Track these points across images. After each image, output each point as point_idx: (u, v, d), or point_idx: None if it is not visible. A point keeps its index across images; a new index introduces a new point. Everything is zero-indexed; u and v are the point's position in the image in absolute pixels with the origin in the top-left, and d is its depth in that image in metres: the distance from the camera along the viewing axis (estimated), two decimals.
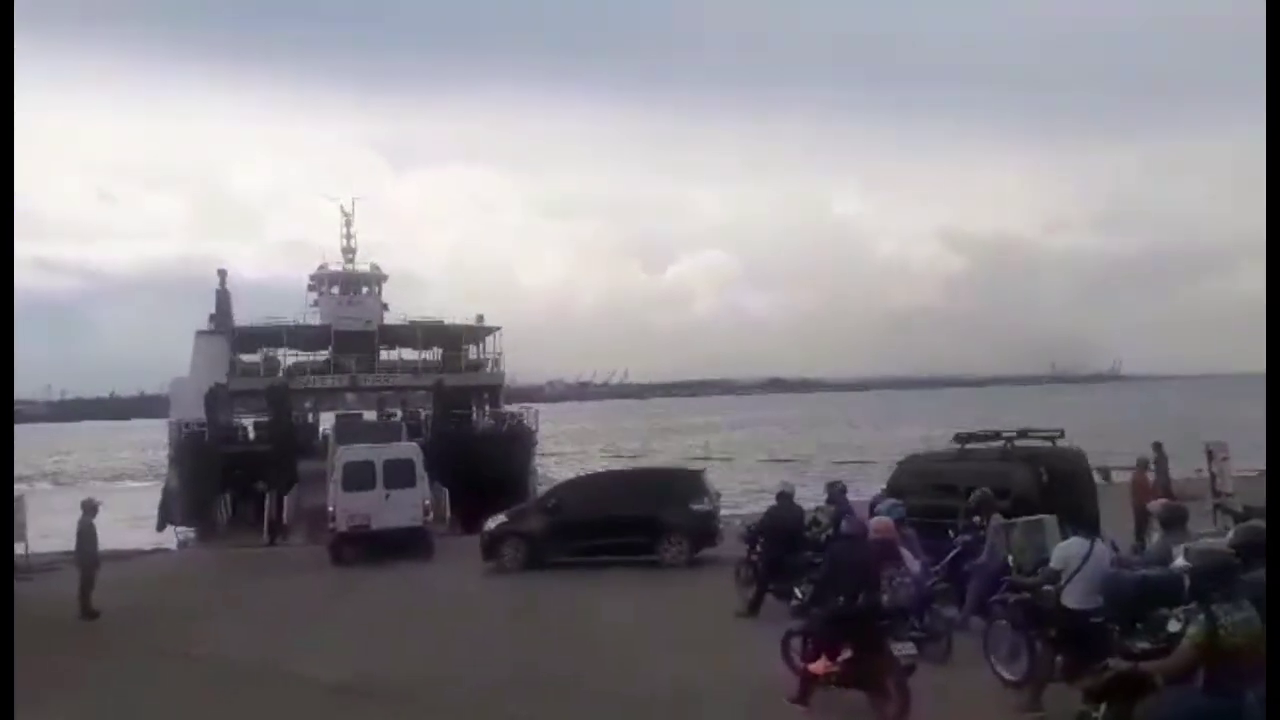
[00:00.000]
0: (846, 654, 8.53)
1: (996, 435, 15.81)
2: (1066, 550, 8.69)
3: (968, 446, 16.01)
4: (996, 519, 11.80)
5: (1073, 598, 8.41)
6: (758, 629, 12.22)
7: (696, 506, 18.89)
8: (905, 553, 9.19)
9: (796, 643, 9.51)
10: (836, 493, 14.85)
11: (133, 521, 34.52)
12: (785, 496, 14.46)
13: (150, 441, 79.72)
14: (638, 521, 18.69)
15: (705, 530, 18.83)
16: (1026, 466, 14.67)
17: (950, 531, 12.58)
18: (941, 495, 14.29)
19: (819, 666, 8.71)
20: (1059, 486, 13.91)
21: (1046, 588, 8.82)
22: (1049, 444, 15.49)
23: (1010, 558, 10.11)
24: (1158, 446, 20.80)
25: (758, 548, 14.11)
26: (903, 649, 8.37)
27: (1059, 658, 8.61)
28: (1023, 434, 15.74)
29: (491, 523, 19.92)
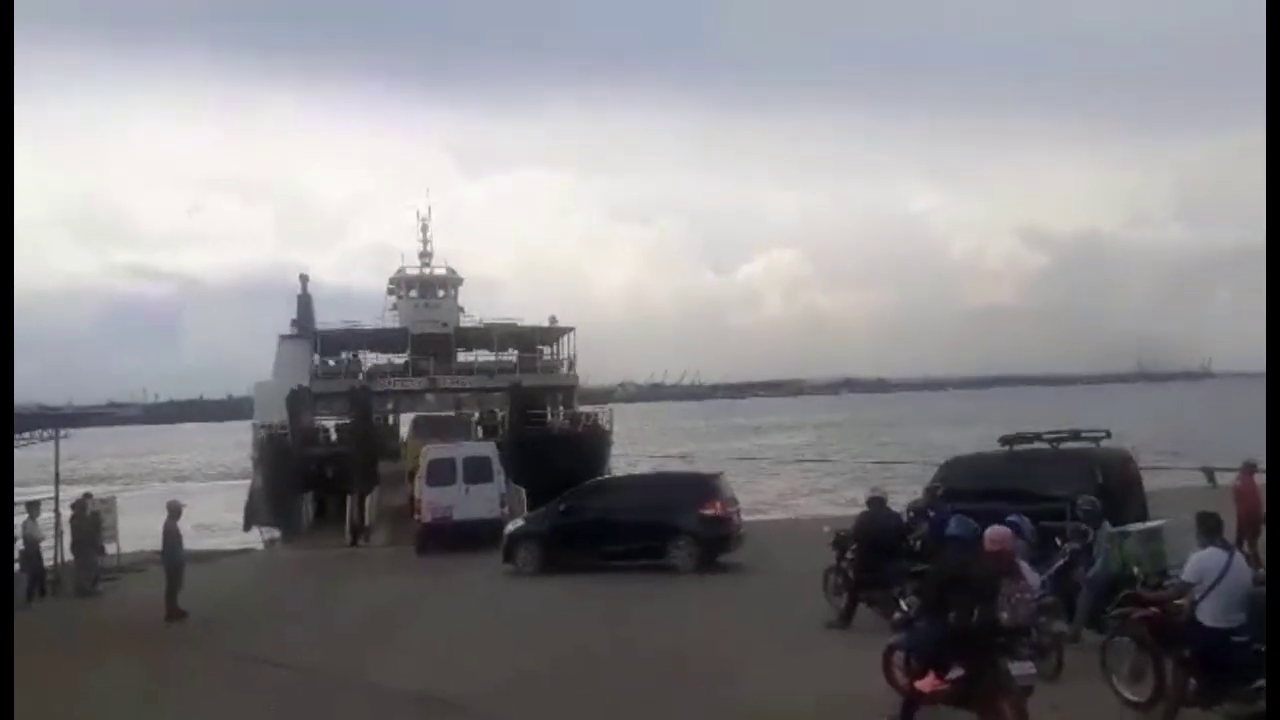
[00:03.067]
0: (958, 672, 7.92)
1: (1040, 436, 15.24)
2: (1203, 562, 7.98)
3: (1015, 448, 15.40)
4: (1107, 527, 11.12)
5: (1209, 614, 7.72)
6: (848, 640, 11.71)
7: (707, 511, 18.52)
8: (1024, 565, 8.52)
9: (900, 658, 8.95)
10: (933, 498, 14.09)
11: (216, 522, 35.35)
12: (878, 501, 13.83)
13: (221, 444, 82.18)
14: (648, 526, 18.56)
15: (716, 535, 18.52)
16: (1080, 468, 14.09)
17: (1056, 540, 11.86)
18: (988, 499, 13.57)
19: (927, 684, 8.12)
20: (1113, 489, 13.33)
21: (1178, 602, 8.13)
22: (1094, 445, 14.85)
23: (1135, 568, 9.40)
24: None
25: (848, 555, 13.47)
26: (1021, 669, 7.74)
27: (1193, 680, 7.92)
28: (1074, 435, 15.11)
29: (510, 525, 20.19)
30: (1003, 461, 15.39)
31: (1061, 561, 11.30)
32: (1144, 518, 13.19)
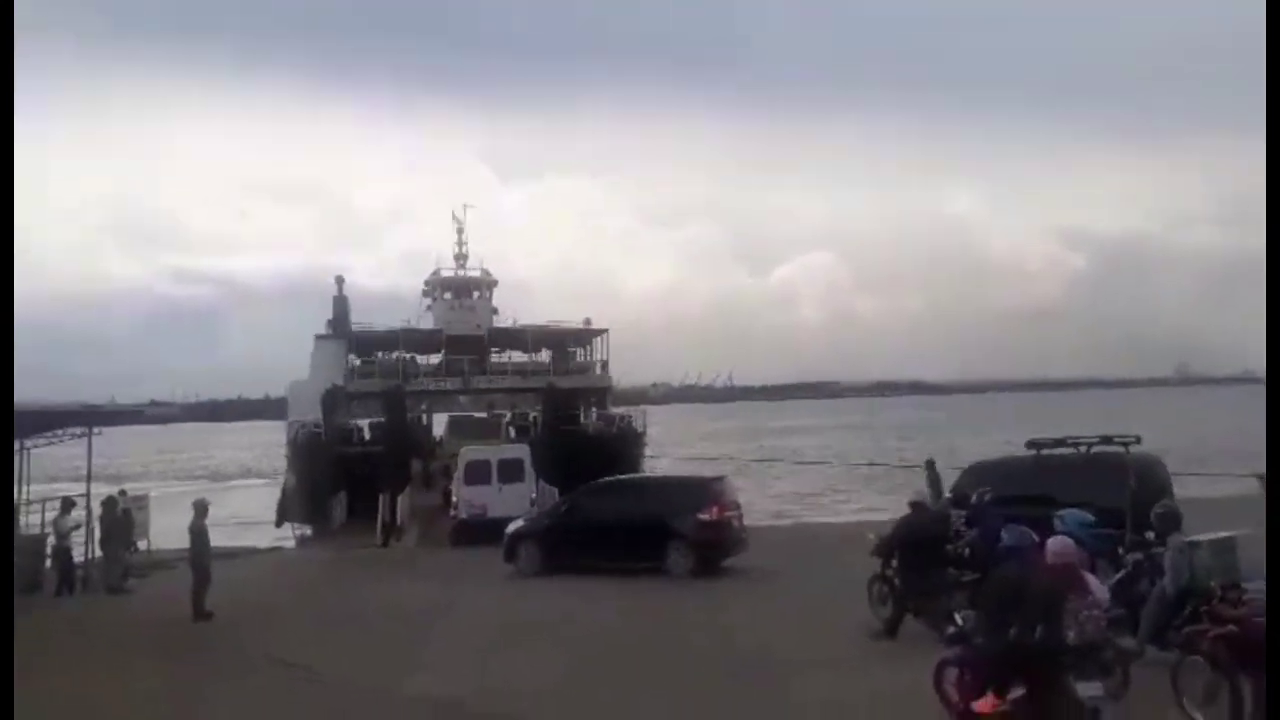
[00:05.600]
0: (1019, 692, 7.40)
1: (1066, 441, 14.86)
2: None
3: (1043, 453, 14.92)
4: (1176, 537, 10.46)
5: None
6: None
7: (705, 516, 18.17)
8: (1091, 578, 7.93)
9: (953, 674, 8.40)
10: (982, 504, 13.47)
11: (251, 516, 35.39)
12: (919, 506, 13.25)
13: (257, 442, 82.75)
14: (645, 529, 18.31)
15: (711, 540, 18.19)
16: (1113, 474, 13.71)
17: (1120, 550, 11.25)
18: (1015, 505, 13.00)
19: (985, 704, 7.60)
20: (1146, 496, 12.86)
21: (1258, 619, 7.52)
22: (1124, 450, 14.33)
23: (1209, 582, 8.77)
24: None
25: (892, 563, 12.89)
26: (1088, 689, 7.19)
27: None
28: (1105, 440, 14.59)
29: (512, 526, 20.22)
30: (1029, 466, 14.90)
31: (1125, 572, 10.67)
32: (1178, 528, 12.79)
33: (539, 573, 18.88)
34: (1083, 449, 14.89)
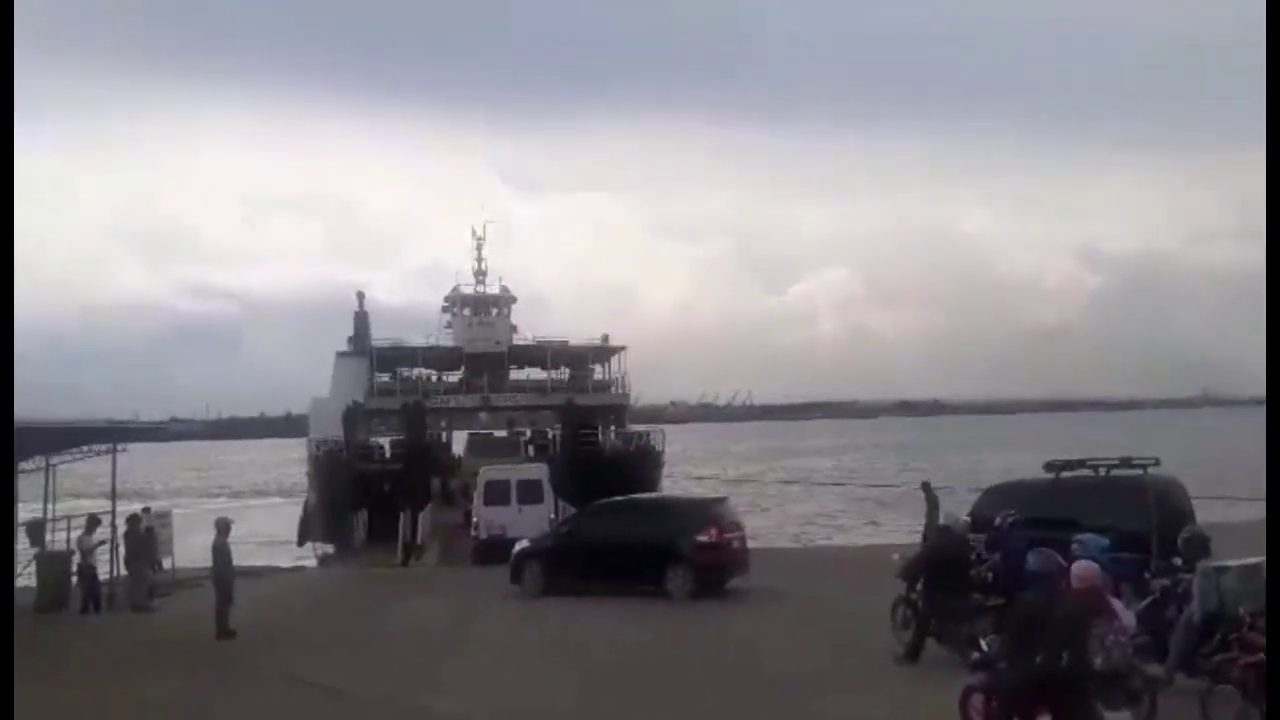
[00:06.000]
0: (1045, 719, 7.31)
1: (1083, 463, 14.75)
2: None
3: (1061, 475, 14.78)
4: (1205, 562, 10.33)
5: None
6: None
7: (703, 538, 18.12)
8: (1116, 604, 7.85)
9: (979, 700, 8.31)
10: (1007, 528, 13.34)
11: (273, 535, 35.49)
12: (948, 530, 13.15)
13: (280, 460, 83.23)
14: (645, 550, 18.31)
15: (710, 562, 18.13)
16: (1132, 497, 13.60)
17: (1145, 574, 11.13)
18: (1033, 528, 12.87)
19: None
20: (1165, 520, 12.86)
21: None
22: (1142, 472, 14.24)
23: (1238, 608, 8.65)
24: None
25: (917, 586, 12.78)
26: (1116, 718, 7.11)
27: None
28: (1124, 462, 14.44)
29: (518, 546, 20.35)
30: (1047, 489, 14.77)
31: (1152, 598, 10.55)
32: (1206, 552, 12.52)
33: (543, 593, 18.86)
34: (1101, 471, 14.76)
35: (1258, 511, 25.48)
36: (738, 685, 11.83)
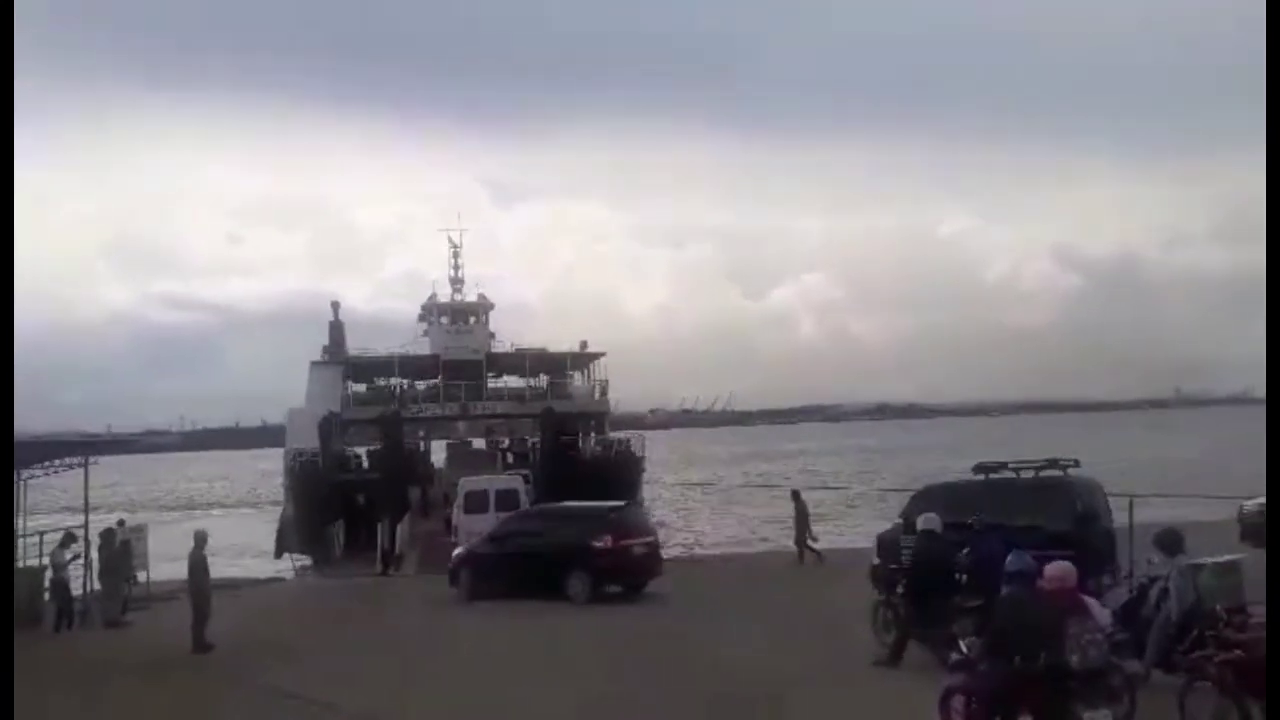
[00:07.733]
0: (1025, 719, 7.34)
1: (1004, 465, 15.18)
2: None
3: (991, 476, 15.16)
4: (1181, 559, 10.43)
5: None
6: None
7: (598, 544, 18.99)
8: (1092, 602, 7.89)
9: (959, 702, 8.32)
10: (982, 527, 13.39)
11: (249, 546, 35.12)
12: (930, 533, 13.16)
13: (254, 470, 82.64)
14: (551, 556, 19.23)
15: (607, 567, 19.08)
16: (1061, 497, 14.18)
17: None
18: (963, 530, 13.05)
19: None
20: (1088, 519, 13.70)
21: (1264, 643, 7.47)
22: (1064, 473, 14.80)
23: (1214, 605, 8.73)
24: None
25: (898, 589, 12.80)
26: (1095, 716, 7.14)
27: None
28: (1051, 463, 14.91)
29: (455, 551, 21.46)
30: (978, 490, 15.09)
31: (1129, 596, 10.63)
32: (1113, 550, 14.04)
33: (471, 598, 19.69)
34: (1026, 474, 15.07)
35: (1172, 510, 25.75)
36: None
